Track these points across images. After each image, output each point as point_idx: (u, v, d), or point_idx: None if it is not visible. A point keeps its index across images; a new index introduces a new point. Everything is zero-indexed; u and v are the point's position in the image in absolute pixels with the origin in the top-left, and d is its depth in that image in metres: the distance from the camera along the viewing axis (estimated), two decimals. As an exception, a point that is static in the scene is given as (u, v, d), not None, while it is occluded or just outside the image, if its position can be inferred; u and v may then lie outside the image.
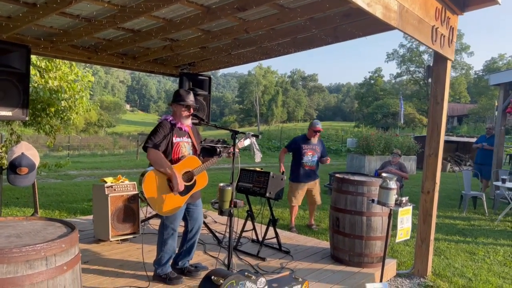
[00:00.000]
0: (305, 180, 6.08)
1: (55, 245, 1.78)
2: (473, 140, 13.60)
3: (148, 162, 3.43)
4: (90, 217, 5.60)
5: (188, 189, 3.47)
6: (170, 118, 3.57)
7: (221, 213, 3.15)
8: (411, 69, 55.81)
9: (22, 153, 3.64)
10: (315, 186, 6.22)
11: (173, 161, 3.47)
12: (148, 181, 3.30)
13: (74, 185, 10.26)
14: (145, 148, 3.42)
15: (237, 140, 3.27)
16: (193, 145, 3.66)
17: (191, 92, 3.65)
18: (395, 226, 3.53)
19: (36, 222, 2.20)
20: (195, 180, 3.53)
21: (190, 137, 3.64)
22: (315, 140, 6.17)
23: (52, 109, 7.46)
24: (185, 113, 3.55)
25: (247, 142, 3.37)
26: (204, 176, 3.58)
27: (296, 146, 6.13)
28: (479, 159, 9.74)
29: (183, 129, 3.59)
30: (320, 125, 6.22)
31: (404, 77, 59.22)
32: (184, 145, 3.56)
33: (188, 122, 3.61)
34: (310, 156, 6.06)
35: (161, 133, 3.44)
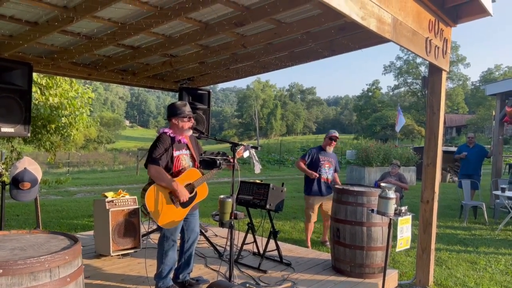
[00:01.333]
0: (324, 194, 5.76)
1: (59, 257, 1.80)
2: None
3: (147, 177, 3.47)
4: (91, 232, 5.60)
5: (189, 200, 3.51)
6: (169, 132, 3.58)
7: (221, 225, 3.17)
8: (409, 80, 56.27)
9: (25, 168, 3.68)
10: (331, 200, 5.89)
11: (174, 174, 3.50)
12: (150, 194, 3.33)
13: (74, 201, 10.25)
14: (146, 165, 3.44)
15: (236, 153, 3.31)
16: (192, 157, 3.68)
17: (186, 103, 3.70)
18: (395, 237, 3.55)
19: (40, 235, 2.23)
20: (196, 192, 3.58)
21: (189, 148, 3.67)
22: (330, 149, 5.89)
23: (53, 126, 7.52)
24: (187, 124, 3.57)
25: (246, 154, 3.41)
26: (204, 187, 3.63)
27: (313, 158, 5.84)
28: (464, 170, 9.16)
29: (182, 141, 3.62)
30: (336, 132, 5.97)
31: (402, 89, 59.71)
32: (184, 157, 3.60)
33: (189, 133, 3.64)
34: (327, 168, 5.79)
35: (161, 148, 3.46)
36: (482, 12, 4.17)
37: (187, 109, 3.62)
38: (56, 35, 4.29)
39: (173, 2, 3.55)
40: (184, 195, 3.39)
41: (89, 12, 3.52)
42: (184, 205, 3.47)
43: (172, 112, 3.60)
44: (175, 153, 3.53)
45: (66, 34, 4.27)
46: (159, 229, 3.67)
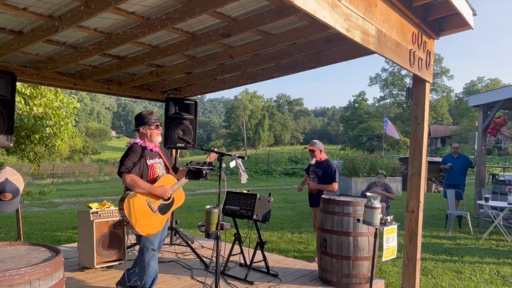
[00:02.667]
0: (311, 205, 5.69)
1: (39, 269, 1.76)
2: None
3: (123, 187, 3.45)
4: (75, 244, 5.49)
5: (167, 207, 3.53)
6: (140, 142, 3.59)
7: (207, 235, 3.13)
8: (394, 92, 57.19)
9: (6, 179, 3.60)
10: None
11: (150, 183, 3.49)
12: (128, 204, 3.30)
13: (59, 213, 10.06)
14: (120, 174, 3.41)
15: (223, 163, 3.30)
16: (165, 165, 3.72)
17: (153, 111, 3.73)
18: (382, 247, 3.56)
19: (20, 247, 2.17)
20: (173, 198, 3.59)
21: (161, 157, 3.70)
22: (313, 161, 5.72)
23: (37, 136, 7.40)
24: (155, 132, 3.60)
25: (233, 164, 3.40)
26: (181, 193, 3.66)
27: (308, 171, 5.92)
28: (449, 180, 9.26)
29: (154, 151, 3.64)
30: (312, 145, 5.73)
31: (388, 100, 60.58)
32: (158, 166, 3.62)
33: (158, 140, 3.65)
34: (311, 179, 5.67)
35: (134, 157, 3.45)
36: (463, 25, 4.26)
37: (154, 117, 3.64)
38: (41, 44, 4.25)
39: (160, 13, 3.55)
40: (166, 191, 3.43)
41: (74, 22, 3.50)
42: (163, 212, 3.48)
43: (139, 121, 3.62)
44: (149, 162, 3.54)
45: (51, 43, 4.24)
46: (137, 240, 3.64)
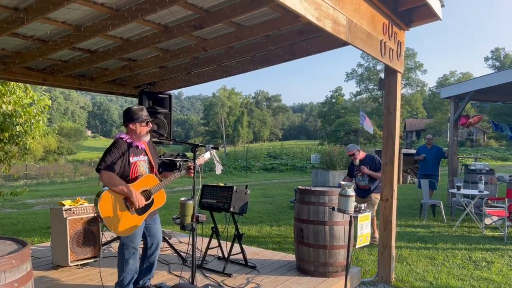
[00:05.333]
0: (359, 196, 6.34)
1: (4, 261, 1.70)
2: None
3: (102, 184, 3.36)
4: (48, 243, 5.36)
5: (146, 208, 3.39)
6: (126, 137, 3.46)
7: (182, 227, 3.11)
8: (370, 87, 57.98)
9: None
10: (367, 200, 6.33)
11: (131, 181, 3.39)
12: (104, 201, 3.19)
13: (32, 214, 9.81)
14: (98, 170, 3.29)
15: (197, 153, 3.28)
16: (150, 163, 3.58)
17: (144, 108, 3.61)
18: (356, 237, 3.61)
19: (-15, 242, 2.11)
20: (152, 199, 3.45)
21: (147, 154, 3.56)
22: (356, 162, 6.44)
23: (6, 134, 7.17)
24: (145, 129, 3.48)
25: (207, 156, 3.37)
26: (162, 194, 3.51)
27: (351, 171, 6.63)
28: (423, 171, 9.48)
29: (140, 147, 3.51)
30: (351, 149, 6.56)
31: (364, 95, 61.38)
32: (141, 163, 3.49)
33: (147, 138, 3.54)
34: (360, 177, 6.40)
35: (116, 154, 3.33)
36: (432, 16, 4.36)
37: (144, 113, 3.52)
38: (7, 38, 4.12)
39: (130, 4, 3.50)
40: (139, 200, 3.27)
41: (41, 14, 3.41)
42: (140, 212, 3.35)
43: (129, 117, 3.48)
44: (132, 159, 3.42)
45: (17, 37, 4.12)
46: (118, 237, 3.55)
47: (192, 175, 3.32)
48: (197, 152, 3.34)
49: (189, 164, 3.26)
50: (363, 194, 6.36)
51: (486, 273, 5.05)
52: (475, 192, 7.73)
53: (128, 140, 3.45)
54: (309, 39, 4.60)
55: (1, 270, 1.68)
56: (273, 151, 36.65)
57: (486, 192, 7.68)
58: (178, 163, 3.32)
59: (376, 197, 6.35)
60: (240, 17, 3.92)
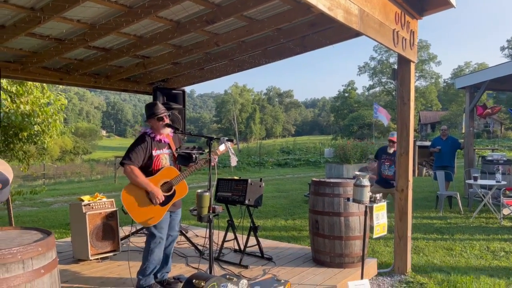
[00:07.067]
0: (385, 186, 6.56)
1: (32, 248, 1.77)
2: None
3: (127, 183, 3.48)
4: (69, 239, 5.49)
5: (168, 199, 3.51)
6: (149, 131, 3.61)
7: (199, 219, 3.15)
8: (383, 80, 57.40)
9: (-5, 170, 3.57)
10: (388, 192, 6.51)
11: (153, 173, 3.51)
12: (126, 194, 3.36)
13: (51, 211, 10.01)
14: (122, 164, 3.46)
15: (212, 147, 3.33)
16: (173, 156, 3.70)
17: (158, 102, 3.74)
18: (373, 228, 3.62)
19: (11, 231, 2.19)
20: (174, 190, 3.56)
21: (170, 147, 3.69)
22: (391, 150, 6.62)
23: (25, 134, 7.34)
24: (162, 123, 3.60)
25: (222, 148, 3.43)
26: (183, 185, 3.61)
27: (378, 156, 6.92)
28: (438, 162, 9.33)
29: (163, 141, 3.64)
30: (395, 135, 6.57)
31: (377, 89, 60.82)
32: (165, 156, 3.61)
33: (167, 131, 3.66)
34: (387, 166, 6.61)
35: (140, 148, 3.48)
36: (445, 4, 4.32)
37: (161, 108, 3.66)
38: (24, 38, 4.22)
39: (143, 1, 3.55)
40: (158, 196, 3.41)
41: (57, 12, 3.48)
42: (162, 203, 3.48)
43: (147, 113, 3.64)
44: (155, 153, 3.55)
45: (34, 36, 4.21)
46: (144, 228, 3.66)
47: (214, 164, 3.39)
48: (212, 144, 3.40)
49: (208, 155, 3.33)
50: (385, 184, 6.47)
51: (505, 262, 5.00)
52: (492, 182, 7.63)
53: (152, 135, 3.59)
54: (320, 31, 4.60)
55: (28, 257, 1.75)
56: (286, 147, 36.61)
57: (503, 182, 7.58)
58: (194, 156, 3.37)
59: None
60: (251, 11, 3.95)
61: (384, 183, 6.56)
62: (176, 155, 3.72)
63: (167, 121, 3.62)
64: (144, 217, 3.41)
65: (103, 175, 26.14)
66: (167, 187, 3.53)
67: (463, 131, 11.66)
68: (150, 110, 3.62)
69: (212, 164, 3.28)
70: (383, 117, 15.12)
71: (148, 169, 3.51)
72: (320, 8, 2.81)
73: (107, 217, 4.59)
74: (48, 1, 3.42)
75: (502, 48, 58.49)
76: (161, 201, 3.44)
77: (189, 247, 5.08)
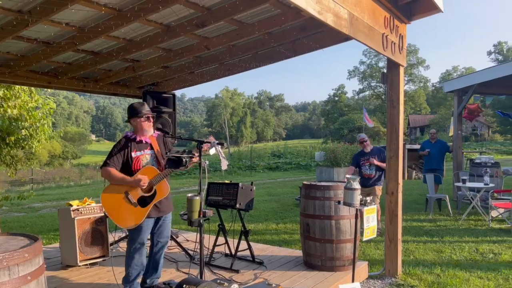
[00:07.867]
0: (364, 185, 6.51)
1: (18, 254, 1.74)
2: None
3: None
4: (57, 245, 5.41)
5: (149, 199, 3.45)
6: (129, 134, 3.59)
7: (190, 223, 3.13)
8: (372, 84, 57.87)
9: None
10: (371, 192, 6.54)
11: (134, 174, 3.47)
12: (105, 197, 3.35)
13: (39, 217, 9.88)
14: (101, 168, 3.49)
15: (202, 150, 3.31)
16: (156, 157, 3.62)
17: (145, 103, 3.72)
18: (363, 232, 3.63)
19: (-2, 238, 2.14)
20: (155, 190, 3.49)
21: (152, 148, 3.62)
22: (367, 149, 6.77)
23: (12, 138, 7.23)
24: (146, 124, 3.57)
25: (212, 151, 3.40)
26: (164, 185, 3.53)
27: (357, 161, 6.85)
28: (427, 165, 9.32)
29: (144, 141, 3.59)
30: (363, 136, 6.92)
31: (367, 93, 61.26)
32: (146, 157, 3.56)
33: (150, 132, 3.63)
34: (367, 166, 6.66)
35: (115, 151, 3.50)
36: (433, 8, 4.37)
37: (145, 108, 3.62)
38: (11, 41, 4.17)
39: (132, 4, 3.53)
40: (140, 183, 3.35)
41: (45, 16, 3.45)
42: (143, 204, 3.42)
43: (130, 113, 3.61)
44: (135, 154, 3.51)
45: (22, 40, 4.16)
46: (126, 236, 3.62)
47: (199, 160, 3.34)
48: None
49: (199, 159, 3.29)
50: (367, 182, 6.56)
51: (494, 264, 5.04)
52: (480, 185, 7.71)
53: (131, 136, 3.57)
54: (310, 35, 4.62)
55: (14, 263, 1.72)
56: (277, 151, 36.67)
57: (492, 185, 7.66)
58: (184, 160, 3.34)
59: (379, 189, 6.62)
60: (241, 15, 3.95)
61: (366, 182, 6.63)
62: (161, 155, 3.65)
63: (151, 121, 3.60)
64: (124, 219, 3.38)
65: (93, 180, 25.90)
66: (147, 187, 3.45)
67: (450, 134, 11.78)
68: (136, 109, 3.58)
69: (196, 160, 3.29)
70: (367, 121, 15.42)
71: (128, 170, 3.48)
72: (310, 12, 2.82)
73: (96, 222, 4.54)
74: (36, 4, 3.38)
75: (489, 53, 59.50)
76: (145, 184, 3.38)
77: (180, 251, 5.05)
